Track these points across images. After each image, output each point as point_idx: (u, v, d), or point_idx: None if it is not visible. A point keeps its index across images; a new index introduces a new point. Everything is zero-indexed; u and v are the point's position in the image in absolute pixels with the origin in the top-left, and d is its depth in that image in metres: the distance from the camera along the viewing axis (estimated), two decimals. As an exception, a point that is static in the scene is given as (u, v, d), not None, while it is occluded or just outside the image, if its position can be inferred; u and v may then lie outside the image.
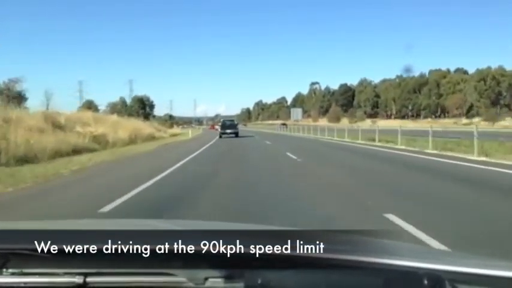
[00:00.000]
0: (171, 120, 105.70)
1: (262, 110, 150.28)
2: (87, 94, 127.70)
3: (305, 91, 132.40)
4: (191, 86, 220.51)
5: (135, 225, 1.59)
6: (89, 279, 0.91)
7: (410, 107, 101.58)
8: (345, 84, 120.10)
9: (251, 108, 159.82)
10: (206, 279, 0.89)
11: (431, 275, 0.77)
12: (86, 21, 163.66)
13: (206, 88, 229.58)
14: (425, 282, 0.76)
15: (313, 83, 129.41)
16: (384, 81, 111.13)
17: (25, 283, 0.93)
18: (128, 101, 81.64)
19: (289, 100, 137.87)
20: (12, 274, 0.93)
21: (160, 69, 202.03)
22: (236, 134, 32.22)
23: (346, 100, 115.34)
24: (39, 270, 0.93)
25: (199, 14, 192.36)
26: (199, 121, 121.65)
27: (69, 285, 0.92)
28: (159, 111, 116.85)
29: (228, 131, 32.10)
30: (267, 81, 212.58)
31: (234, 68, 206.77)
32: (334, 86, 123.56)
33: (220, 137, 31.33)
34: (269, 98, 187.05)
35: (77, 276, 0.91)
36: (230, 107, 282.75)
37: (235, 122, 35.31)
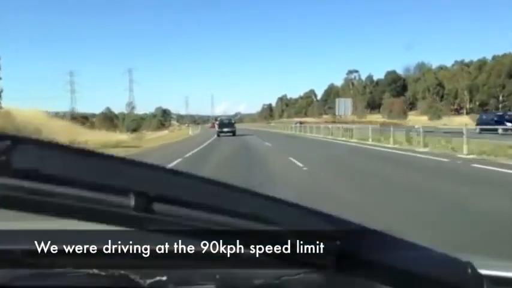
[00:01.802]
0: (164, 116, 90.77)
1: (286, 106, 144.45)
2: (81, 87, 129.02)
3: (339, 82, 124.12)
4: (211, 83, 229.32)
5: None
6: None
7: (501, 98, 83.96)
8: (393, 72, 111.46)
9: (274, 104, 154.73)
10: None
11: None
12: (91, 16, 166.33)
13: (226, 86, 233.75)
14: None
15: (350, 72, 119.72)
16: (441, 67, 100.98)
17: None
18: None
19: (319, 93, 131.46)
20: None
21: (178, 66, 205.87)
22: (233, 133, 37.58)
23: (394, 91, 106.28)
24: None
25: (216, 11, 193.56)
26: (216, 119, 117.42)
27: None
28: (176, 109, 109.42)
29: (226, 129, 38.23)
30: (291, 73, 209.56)
31: (255, 63, 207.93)
32: (378, 75, 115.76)
33: (218, 135, 36.31)
34: (295, 93, 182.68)
35: None
36: (251, 105, 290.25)
37: (233, 121, 42.48)
